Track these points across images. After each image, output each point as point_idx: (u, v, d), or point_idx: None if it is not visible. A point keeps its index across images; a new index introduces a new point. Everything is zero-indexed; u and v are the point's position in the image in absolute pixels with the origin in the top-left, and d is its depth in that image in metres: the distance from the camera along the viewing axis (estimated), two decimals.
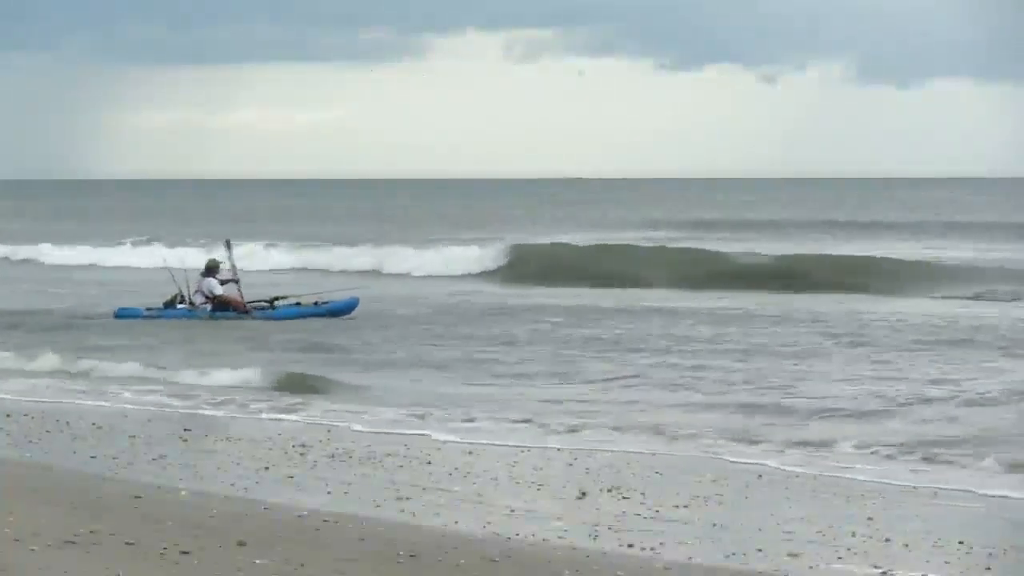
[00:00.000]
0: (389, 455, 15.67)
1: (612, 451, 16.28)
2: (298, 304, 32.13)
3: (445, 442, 16.75)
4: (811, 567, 10.96)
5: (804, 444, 16.65)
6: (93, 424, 17.64)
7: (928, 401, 19.51)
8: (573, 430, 17.57)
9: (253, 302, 32.10)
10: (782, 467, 15.38)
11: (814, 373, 22.31)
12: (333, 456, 15.58)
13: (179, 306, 31.80)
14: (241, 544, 10.20)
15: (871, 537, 11.97)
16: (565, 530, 11.97)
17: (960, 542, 11.77)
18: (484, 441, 16.88)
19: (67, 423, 17.67)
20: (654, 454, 16.14)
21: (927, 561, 11.20)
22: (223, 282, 32.12)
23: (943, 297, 36.75)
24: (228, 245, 33.37)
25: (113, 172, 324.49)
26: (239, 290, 32.17)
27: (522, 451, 16.20)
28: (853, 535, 12.03)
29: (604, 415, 18.55)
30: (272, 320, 31.22)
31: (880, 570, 10.81)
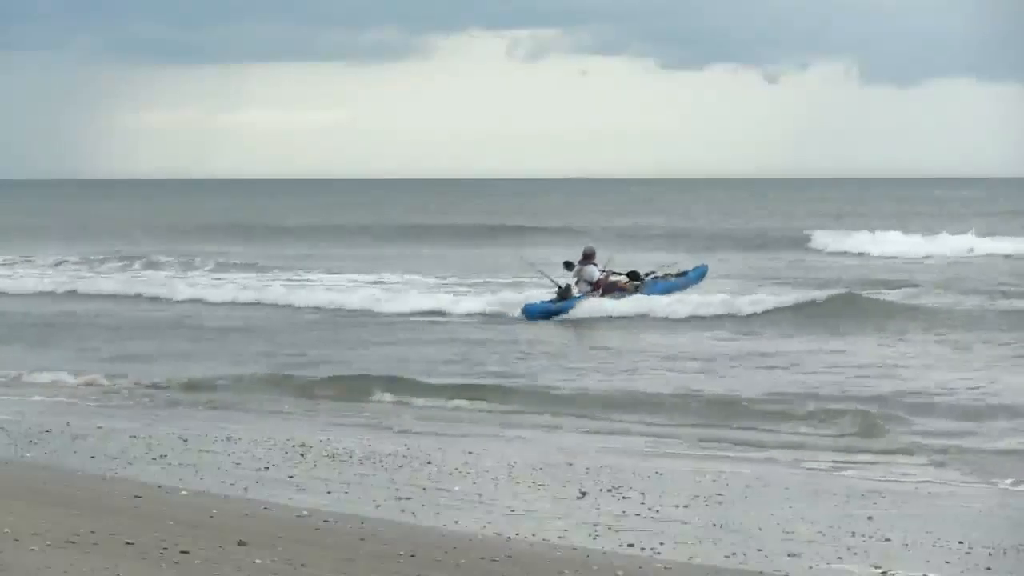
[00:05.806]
0: (389, 455, 15.66)
1: (610, 451, 16.30)
2: (666, 277, 33.11)
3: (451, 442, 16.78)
4: (811, 567, 10.95)
5: (804, 444, 16.68)
6: (93, 424, 17.65)
7: (935, 401, 19.52)
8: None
9: (626, 281, 32.69)
10: (782, 468, 15.40)
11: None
12: (333, 456, 15.57)
13: (575, 295, 32.17)
14: (241, 544, 10.19)
15: (871, 537, 11.96)
16: (565, 530, 11.96)
17: (960, 542, 11.77)
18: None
19: (67, 423, 17.67)
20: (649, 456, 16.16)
21: (927, 561, 11.20)
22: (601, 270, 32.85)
23: None
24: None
25: (113, 172, 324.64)
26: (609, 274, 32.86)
27: (522, 451, 16.21)
28: (853, 535, 12.03)
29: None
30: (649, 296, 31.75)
31: (880, 570, 10.80)
